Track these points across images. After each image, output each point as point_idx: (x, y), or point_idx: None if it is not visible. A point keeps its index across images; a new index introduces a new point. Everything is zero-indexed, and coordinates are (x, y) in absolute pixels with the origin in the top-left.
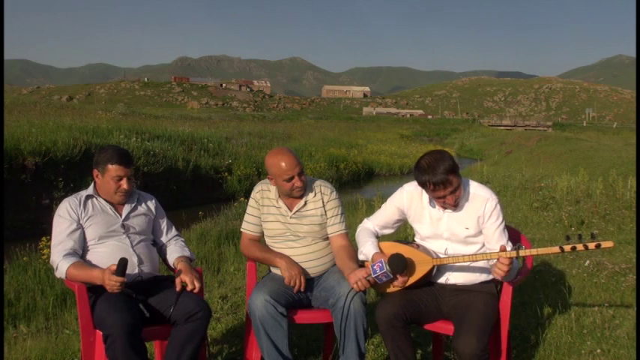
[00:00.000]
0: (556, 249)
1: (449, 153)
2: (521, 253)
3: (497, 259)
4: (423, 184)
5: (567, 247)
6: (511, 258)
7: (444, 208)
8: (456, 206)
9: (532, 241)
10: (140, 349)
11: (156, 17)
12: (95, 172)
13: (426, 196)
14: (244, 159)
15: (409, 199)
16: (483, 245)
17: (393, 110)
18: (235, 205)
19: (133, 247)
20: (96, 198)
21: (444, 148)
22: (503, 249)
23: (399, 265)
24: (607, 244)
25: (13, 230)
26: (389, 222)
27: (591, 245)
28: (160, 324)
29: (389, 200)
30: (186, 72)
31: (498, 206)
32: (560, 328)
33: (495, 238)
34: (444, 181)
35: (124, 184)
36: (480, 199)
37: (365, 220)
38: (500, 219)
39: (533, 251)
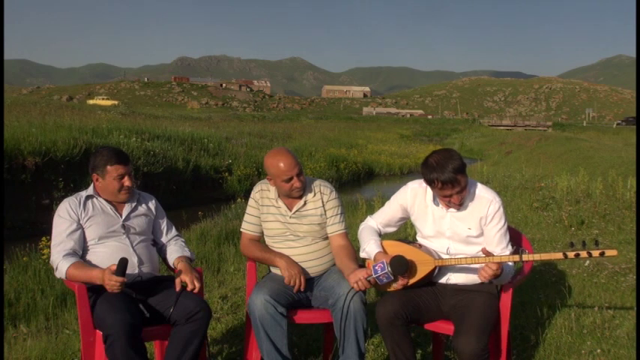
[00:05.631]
0: (559, 255)
1: (457, 152)
2: (524, 257)
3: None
4: (430, 182)
5: (571, 254)
6: (499, 263)
7: (449, 207)
8: (460, 206)
9: (532, 241)
10: (140, 349)
11: (156, 17)
12: (95, 176)
13: (429, 194)
14: (244, 159)
15: (413, 197)
16: None
17: (393, 110)
18: (235, 205)
19: (133, 247)
20: (96, 198)
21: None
22: (485, 252)
23: (401, 267)
24: (611, 252)
25: (13, 230)
26: (392, 220)
27: (595, 253)
28: (160, 324)
29: (392, 198)
30: (186, 72)
31: (501, 209)
32: (560, 328)
33: (495, 241)
34: (452, 180)
35: (127, 181)
36: (484, 200)
37: (368, 217)
38: (502, 222)
39: (536, 256)
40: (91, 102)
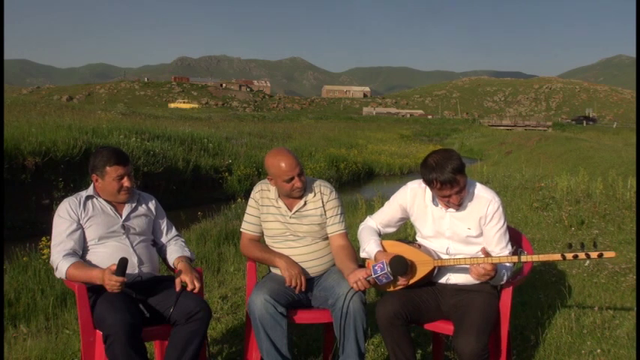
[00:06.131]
0: (558, 256)
1: (457, 152)
2: (523, 258)
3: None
4: (429, 182)
5: (569, 256)
6: (494, 264)
7: (448, 207)
8: (459, 206)
9: (532, 241)
10: (140, 349)
11: (156, 17)
12: (94, 176)
13: (429, 194)
14: (244, 159)
15: (412, 197)
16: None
17: (393, 110)
18: (235, 205)
19: (133, 247)
20: (96, 198)
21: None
22: (484, 252)
23: (401, 267)
24: (609, 254)
25: (13, 230)
26: (392, 220)
27: (593, 254)
28: (160, 324)
29: (392, 198)
30: (186, 72)
31: (501, 209)
32: (560, 328)
33: (495, 241)
34: (451, 181)
35: (126, 182)
36: (484, 200)
37: (367, 217)
38: (502, 222)
39: (535, 257)
40: (172, 105)
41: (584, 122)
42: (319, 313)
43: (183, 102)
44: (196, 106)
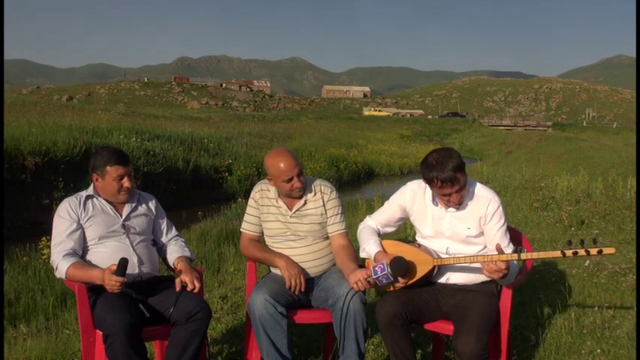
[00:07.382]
0: (557, 253)
1: (457, 151)
2: (523, 256)
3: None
4: (429, 181)
5: (569, 252)
6: (508, 261)
7: (448, 206)
8: (459, 205)
9: (532, 241)
10: (140, 349)
11: (156, 17)
12: (94, 176)
13: (429, 194)
14: (244, 159)
15: (412, 197)
16: (485, 246)
17: (393, 110)
18: (235, 205)
19: (133, 247)
20: (96, 198)
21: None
22: (498, 248)
23: (401, 268)
24: (609, 250)
25: (13, 230)
26: (391, 220)
27: (593, 251)
28: (160, 324)
29: (392, 198)
30: (186, 72)
31: (500, 208)
32: (560, 328)
33: (496, 240)
34: (451, 179)
35: (126, 182)
36: (483, 199)
37: (367, 217)
38: (502, 221)
39: (535, 255)
40: (366, 113)
41: (451, 116)
42: (319, 313)
43: (377, 110)
44: (389, 114)
